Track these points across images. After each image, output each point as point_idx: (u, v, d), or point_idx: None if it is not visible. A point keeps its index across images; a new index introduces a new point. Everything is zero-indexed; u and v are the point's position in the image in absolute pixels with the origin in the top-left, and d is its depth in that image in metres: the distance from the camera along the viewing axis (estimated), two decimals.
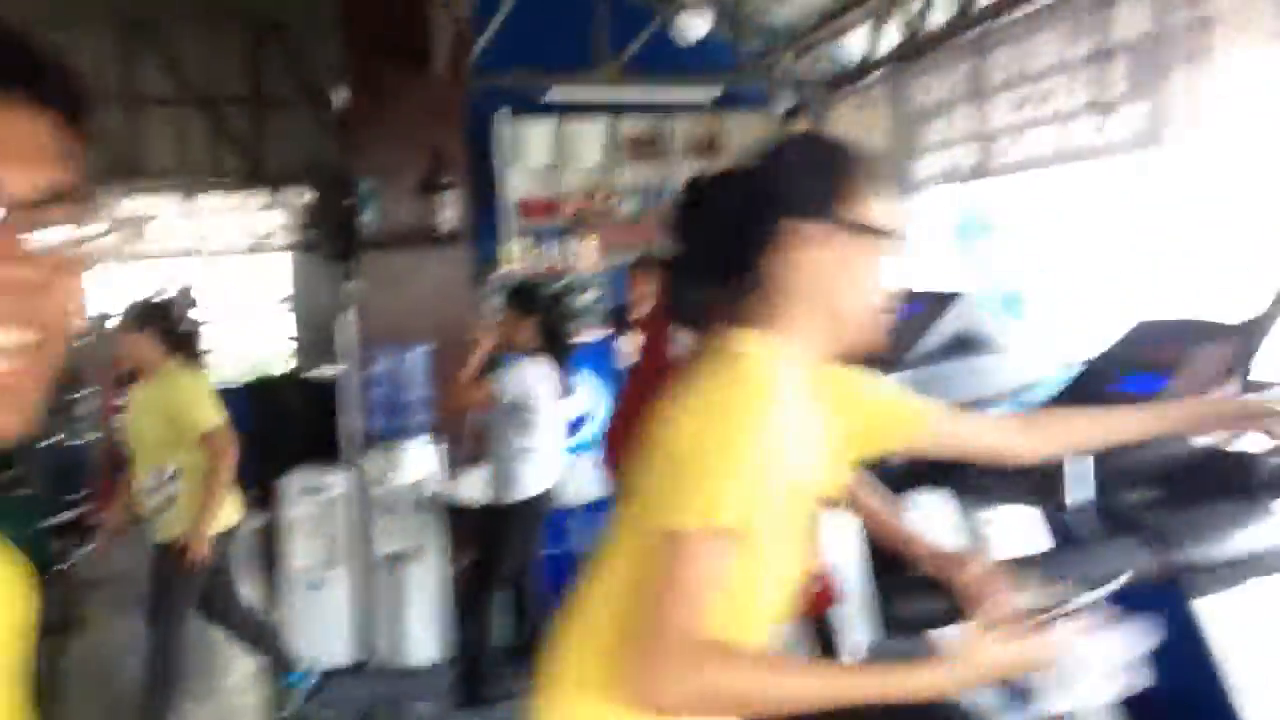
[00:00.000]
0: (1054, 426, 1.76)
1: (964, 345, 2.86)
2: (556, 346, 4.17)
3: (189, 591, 3.85)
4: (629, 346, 4.95)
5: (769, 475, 1.30)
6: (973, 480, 2.27)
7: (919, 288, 4.09)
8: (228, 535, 3.97)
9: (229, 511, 3.96)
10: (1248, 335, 2.07)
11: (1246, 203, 3.28)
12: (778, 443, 1.32)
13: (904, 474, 2.99)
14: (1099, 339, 2.42)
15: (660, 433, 1.36)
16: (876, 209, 1.42)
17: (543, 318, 4.16)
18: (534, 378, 4.08)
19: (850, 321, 1.44)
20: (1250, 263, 3.27)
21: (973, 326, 2.86)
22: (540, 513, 4.15)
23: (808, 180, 1.42)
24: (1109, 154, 3.43)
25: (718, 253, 1.43)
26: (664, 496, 1.30)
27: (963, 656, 1.31)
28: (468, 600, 4.21)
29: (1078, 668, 1.37)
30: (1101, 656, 1.37)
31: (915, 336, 3.10)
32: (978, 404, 2.33)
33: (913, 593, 1.89)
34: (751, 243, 1.41)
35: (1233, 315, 2.18)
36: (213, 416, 3.84)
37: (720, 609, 1.30)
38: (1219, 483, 1.76)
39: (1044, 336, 3.69)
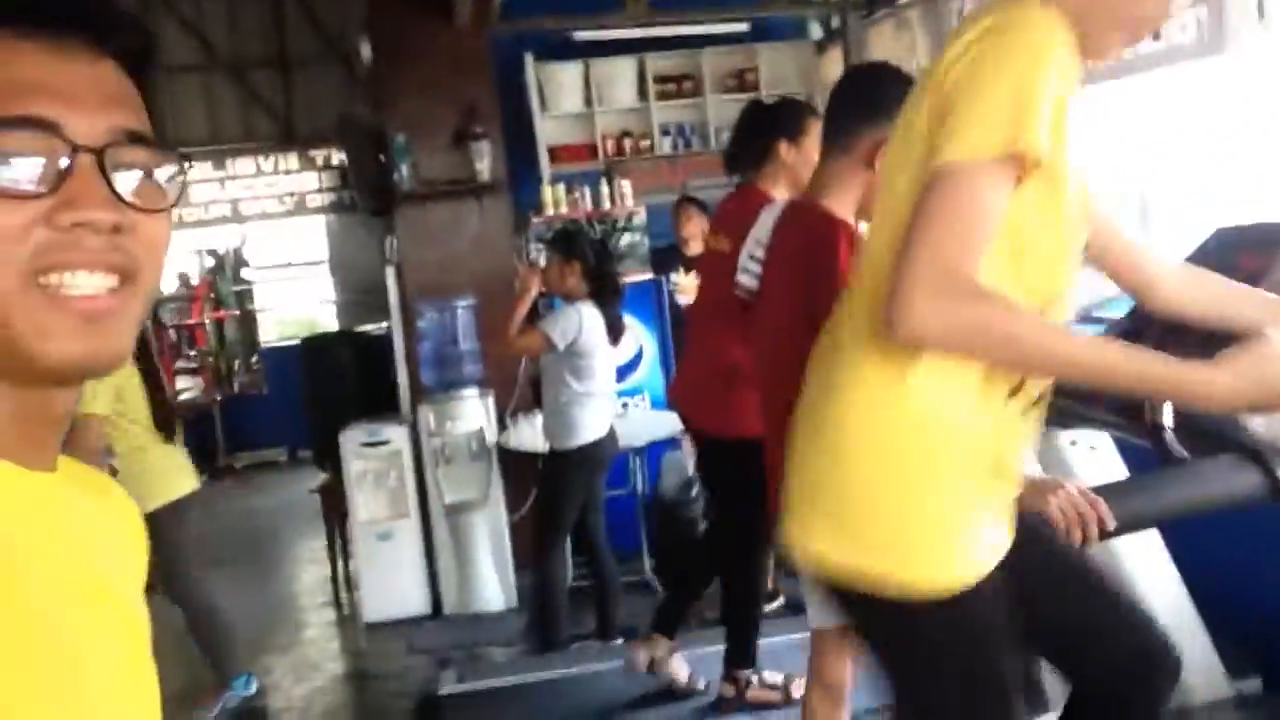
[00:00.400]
0: (1205, 285, 1.65)
1: None
2: (604, 290, 4.16)
3: (172, 555, 3.86)
4: (687, 284, 4.92)
5: (1045, 109, 1.25)
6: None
7: None
8: (176, 507, 3.86)
9: (176, 484, 3.90)
10: None
11: None
12: (1055, 86, 1.26)
13: None
14: (1173, 250, 2.36)
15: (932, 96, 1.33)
16: None
17: (589, 262, 4.14)
18: (584, 322, 4.07)
19: (1113, 18, 1.36)
20: None
21: None
22: (601, 457, 4.17)
23: None
24: (1169, 62, 3.32)
25: None
26: (936, 141, 1.27)
27: (1249, 364, 1.24)
28: (534, 547, 4.25)
29: None
30: None
31: None
32: None
33: None
34: None
35: None
36: (90, 402, 3.52)
37: (996, 263, 1.29)
38: None
39: None
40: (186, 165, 0.75)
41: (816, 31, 7.00)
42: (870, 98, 2.18)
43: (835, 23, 6.66)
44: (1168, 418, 1.86)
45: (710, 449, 3.62)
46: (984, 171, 1.23)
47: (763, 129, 3.29)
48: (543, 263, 4.77)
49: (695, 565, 3.76)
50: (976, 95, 1.25)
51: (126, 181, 0.69)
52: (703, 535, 3.69)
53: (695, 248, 5.04)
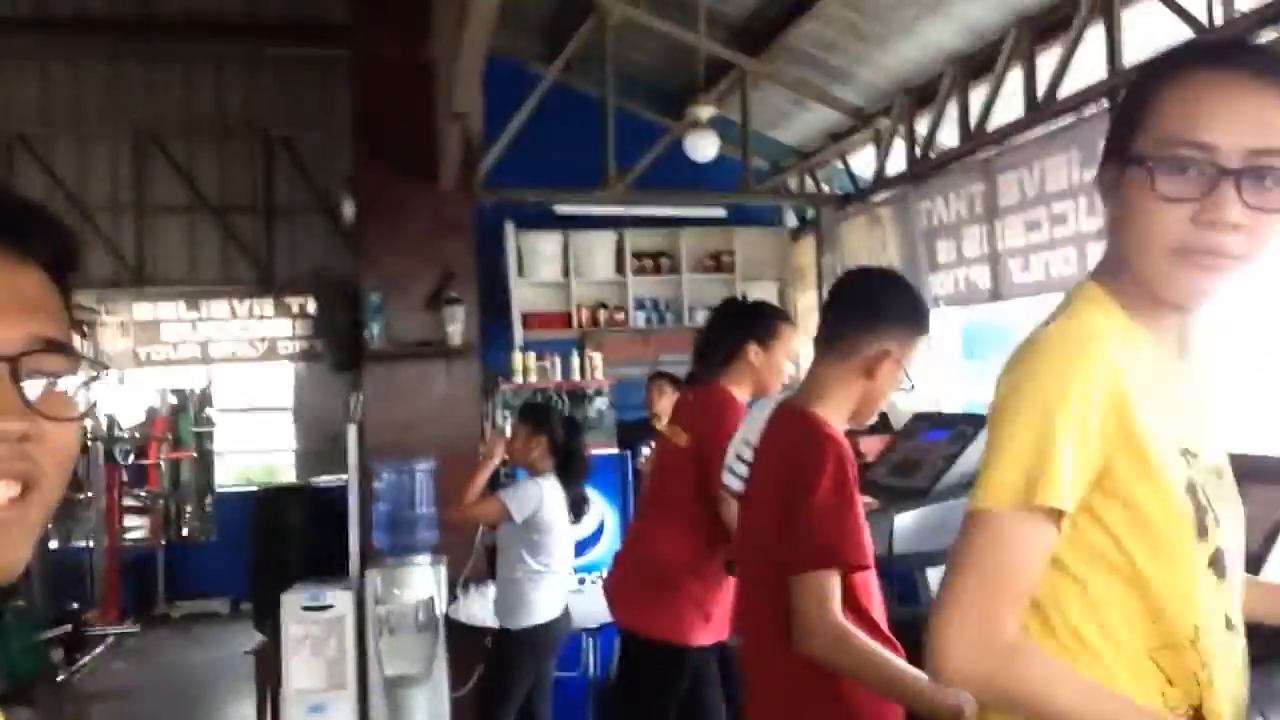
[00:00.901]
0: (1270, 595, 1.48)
1: None
2: (570, 468, 4.10)
3: None
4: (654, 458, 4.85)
5: (1065, 454, 1.15)
6: None
7: (936, 410, 4.06)
8: None
9: None
10: None
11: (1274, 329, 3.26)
12: (1087, 410, 1.16)
13: None
14: None
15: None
16: (1169, 150, 1.17)
17: (556, 438, 4.10)
18: (544, 496, 4.00)
19: (1144, 276, 1.22)
20: None
21: None
22: (553, 638, 4.03)
23: (1122, 107, 1.27)
24: None
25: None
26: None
27: None
28: None
29: None
30: None
31: (943, 465, 3.03)
32: None
33: None
34: (1102, 173, 1.27)
35: None
36: None
37: (1078, 628, 1.20)
38: None
39: None
40: (103, 372, 0.75)
41: (792, 220, 7.21)
42: (870, 305, 2.12)
43: (810, 213, 6.86)
44: None
45: (626, 641, 3.50)
46: (1009, 521, 1.16)
47: (734, 328, 3.29)
48: (509, 431, 4.72)
49: None
50: (995, 439, 1.20)
51: (38, 389, 0.69)
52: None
53: (666, 421, 5.02)
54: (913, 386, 2.14)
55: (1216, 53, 1.21)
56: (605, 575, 3.71)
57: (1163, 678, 1.21)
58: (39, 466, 0.69)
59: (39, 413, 0.69)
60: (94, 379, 0.74)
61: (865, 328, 2.09)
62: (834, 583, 1.89)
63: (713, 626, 3.25)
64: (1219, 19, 3.68)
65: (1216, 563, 1.22)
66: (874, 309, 2.11)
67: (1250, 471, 1.96)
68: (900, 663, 1.89)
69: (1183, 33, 3.75)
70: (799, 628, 1.89)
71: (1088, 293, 1.27)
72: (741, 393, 3.22)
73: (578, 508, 4.13)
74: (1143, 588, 1.20)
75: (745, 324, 3.28)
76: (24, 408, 0.68)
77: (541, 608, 3.96)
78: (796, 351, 3.46)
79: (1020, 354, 1.22)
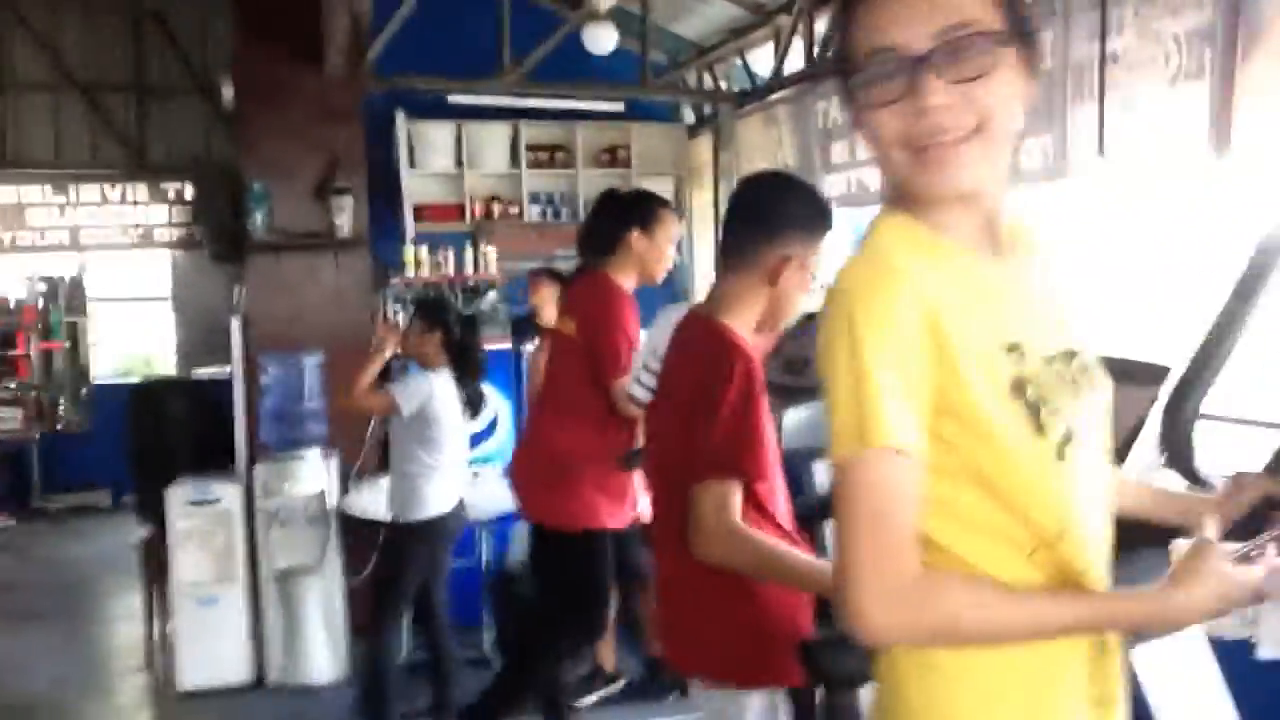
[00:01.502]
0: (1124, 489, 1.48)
1: None
2: (464, 365, 4.09)
3: None
4: (538, 354, 4.84)
5: (901, 375, 1.14)
6: None
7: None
8: None
9: None
10: (1165, 377, 2.13)
11: (1151, 238, 3.42)
12: (900, 333, 1.15)
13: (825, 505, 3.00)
14: None
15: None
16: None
17: (451, 334, 4.08)
18: (435, 391, 3.99)
19: (902, 183, 1.22)
20: (1159, 298, 3.38)
21: None
22: (447, 531, 4.06)
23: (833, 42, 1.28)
24: (1015, 184, 3.52)
25: None
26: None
27: (1199, 578, 1.16)
28: (369, 618, 4.10)
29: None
30: None
31: None
32: None
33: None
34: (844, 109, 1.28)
35: (1147, 354, 2.23)
36: None
37: (958, 541, 1.19)
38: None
39: None
40: None
41: (689, 116, 7.16)
42: (766, 212, 2.10)
43: (708, 110, 6.83)
44: None
45: (539, 537, 3.61)
46: (865, 465, 1.15)
47: (615, 216, 3.35)
48: (403, 324, 4.67)
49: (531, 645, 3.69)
50: (827, 390, 1.17)
51: None
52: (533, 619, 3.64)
53: (548, 316, 4.99)
54: (821, 287, 2.17)
55: None
56: (509, 472, 3.79)
57: (1045, 577, 1.21)
58: None
59: None
60: None
61: (763, 236, 2.08)
62: (734, 491, 1.92)
63: (619, 510, 3.37)
64: None
65: (1063, 453, 1.21)
66: (770, 216, 2.10)
67: (1112, 373, 2.05)
68: (797, 553, 1.97)
69: None
70: (697, 534, 1.93)
71: (878, 217, 1.27)
72: (627, 280, 3.28)
73: (474, 405, 4.13)
74: (998, 494, 1.20)
75: (626, 211, 3.34)
76: None
77: (435, 501, 3.98)
78: (679, 236, 3.53)
79: (829, 295, 1.21)
